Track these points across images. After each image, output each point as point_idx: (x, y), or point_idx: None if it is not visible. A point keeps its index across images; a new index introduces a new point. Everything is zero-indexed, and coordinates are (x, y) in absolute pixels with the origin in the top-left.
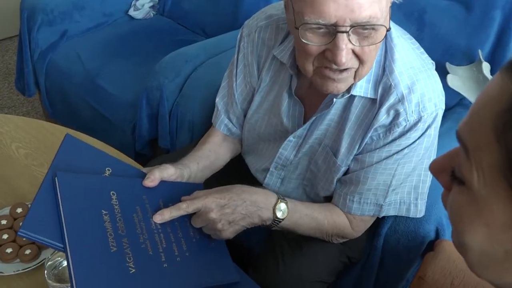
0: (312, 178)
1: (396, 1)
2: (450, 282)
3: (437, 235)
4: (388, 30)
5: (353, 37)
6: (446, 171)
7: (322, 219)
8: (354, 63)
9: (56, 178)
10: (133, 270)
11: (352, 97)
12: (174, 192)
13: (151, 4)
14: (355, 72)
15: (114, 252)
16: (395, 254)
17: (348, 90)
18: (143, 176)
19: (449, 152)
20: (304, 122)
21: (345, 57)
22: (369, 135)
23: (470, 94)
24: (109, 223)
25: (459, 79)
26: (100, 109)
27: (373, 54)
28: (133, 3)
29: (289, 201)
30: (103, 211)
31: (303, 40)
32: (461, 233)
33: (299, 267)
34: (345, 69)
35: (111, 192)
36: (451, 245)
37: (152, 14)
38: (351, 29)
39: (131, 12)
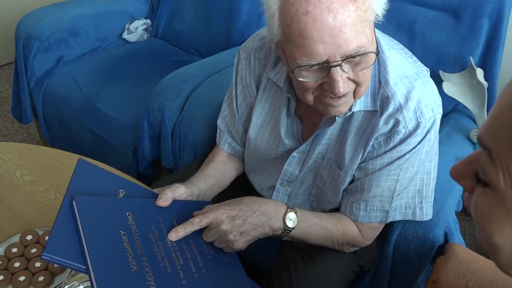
0: (318, 193)
1: (379, 22)
2: (464, 284)
3: (446, 239)
4: (377, 54)
5: (346, 66)
6: (468, 175)
7: (331, 227)
8: (351, 87)
9: (74, 201)
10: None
11: (352, 113)
12: (186, 210)
13: (144, 26)
14: (354, 92)
15: (135, 271)
16: (406, 260)
17: (350, 108)
18: (155, 196)
19: (468, 158)
20: (303, 138)
21: (342, 87)
22: (370, 143)
23: (465, 100)
24: (128, 243)
25: (454, 85)
26: (100, 132)
27: (367, 75)
28: (126, 27)
29: (299, 210)
30: (121, 231)
31: (300, 79)
32: (490, 234)
33: (312, 278)
34: (344, 95)
35: (127, 213)
36: (461, 248)
37: (146, 37)
38: (343, 61)
39: (125, 35)
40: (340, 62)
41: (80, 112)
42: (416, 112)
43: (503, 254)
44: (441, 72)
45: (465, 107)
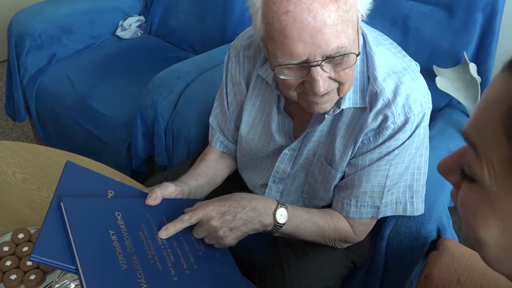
0: (310, 190)
1: (363, 20)
2: (456, 279)
3: (439, 234)
4: (357, 55)
5: (327, 66)
6: (455, 171)
7: (323, 223)
8: (333, 86)
9: (61, 203)
10: (145, 286)
11: (342, 110)
12: (176, 209)
13: (138, 23)
14: (337, 90)
15: (125, 270)
16: (399, 256)
17: (339, 105)
18: (145, 195)
19: (455, 152)
20: (295, 136)
21: (323, 86)
22: (360, 139)
23: (458, 95)
24: (117, 242)
25: (447, 80)
26: (93, 130)
27: (350, 75)
28: (120, 24)
29: (289, 206)
30: (110, 231)
31: (281, 77)
32: (476, 230)
33: (305, 275)
34: (327, 93)
35: (116, 213)
36: (454, 243)
37: (139, 34)
38: (323, 61)
39: (119, 32)
40: (320, 62)
41: (74, 110)
42: (404, 107)
43: (489, 250)
44: (434, 67)
45: (458, 102)
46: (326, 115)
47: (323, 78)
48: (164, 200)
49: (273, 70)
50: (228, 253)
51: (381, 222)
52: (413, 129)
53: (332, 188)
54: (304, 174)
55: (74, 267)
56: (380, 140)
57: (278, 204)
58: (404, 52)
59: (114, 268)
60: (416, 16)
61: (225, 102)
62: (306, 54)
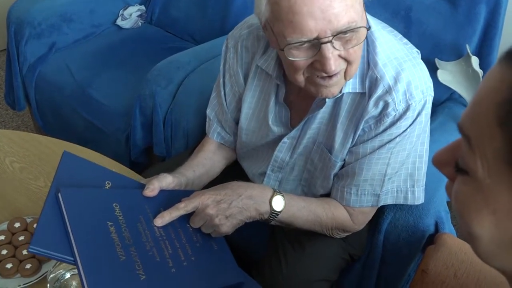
0: (309, 178)
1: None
2: (453, 273)
3: (437, 228)
4: (368, 29)
5: (337, 43)
6: (450, 163)
7: (320, 212)
8: (342, 66)
9: (59, 194)
10: (143, 277)
11: (342, 94)
12: (173, 200)
13: (138, 13)
14: (345, 72)
15: (123, 261)
16: (396, 250)
17: (340, 89)
18: (142, 187)
19: (450, 145)
20: (292, 125)
21: (334, 64)
22: (361, 127)
23: (460, 88)
24: (115, 233)
25: (449, 74)
26: (92, 119)
27: (358, 53)
28: (120, 13)
29: (286, 194)
30: (108, 222)
31: (290, 58)
32: (468, 223)
33: (302, 267)
34: (335, 74)
35: (114, 204)
36: (451, 238)
37: (140, 23)
38: (333, 38)
39: (119, 22)
40: (331, 38)
41: (73, 99)
42: (406, 94)
43: (481, 244)
44: (436, 60)
45: (460, 96)
46: (326, 99)
47: (334, 56)
48: (162, 191)
49: (282, 50)
50: (226, 244)
51: (379, 216)
52: (414, 117)
53: (332, 177)
54: (303, 162)
55: (72, 259)
56: (381, 128)
57: (274, 192)
58: (406, 40)
59: (112, 260)
60: (419, 8)
61: (222, 93)
62: (317, 30)
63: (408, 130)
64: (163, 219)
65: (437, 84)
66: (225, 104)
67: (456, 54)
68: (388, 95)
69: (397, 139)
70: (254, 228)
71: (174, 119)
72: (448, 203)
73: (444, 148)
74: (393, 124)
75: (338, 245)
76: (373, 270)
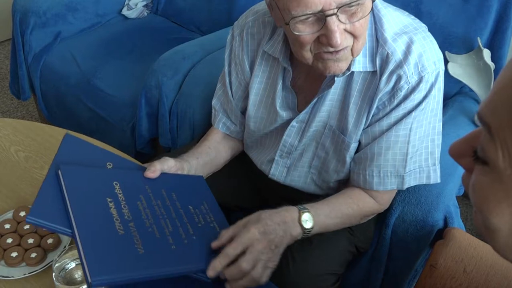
0: (320, 165)
1: None
2: (462, 269)
3: (446, 223)
4: (373, 0)
5: (342, 16)
6: (467, 154)
7: (345, 209)
8: (349, 41)
9: (59, 171)
10: (142, 251)
11: (352, 73)
12: (175, 183)
13: (144, 3)
14: (351, 48)
15: (121, 235)
16: (404, 244)
17: (348, 67)
18: (144, 169)
19: (468, 135)
20: (299, 110)
21: (340, 38)
22: (375, 105)
23: (471, 82)
24: (115, 209)
25: (459, 67)
26: (97, 110)
27: (364, 27)
28: (126, 3)
29: (310, 207)
30: (107, 198)
31: (296, 33)
32: (487, 215)
33: (309, 261)
34: (342, 49)
35: (114, 182)
36: (461, 232)
37: (146, 13)
38: (338, 10)
39: (125, 11)
40: (336, 10)
41: (78, 89)
42: (417, 66)
43: (500, 237)
44: (447, 53)
45: (470, 90)
46: (336, 78)
47: (339, 29)
48: (164, 174)
49: (287, 25)
50: (228, 225)
51: (387, 209)
52: (427, 89)
53: (347, 159)
54: (313, 148)
55: (70, 231)
56: (395, 102)
57: (299, 210)
58: (413, 16)
59: (110, 233)
60: (429, 0)
61: (227, 82)
62: (321, 2)
63: (423, 103)
64: (215, 269)
65: (447, 77)
66: (230, 93)
67: (467, 47)
68: (399, 69)
69: (413, 113)
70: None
71: (180, 109)
72: (457, 198)
73: (461, 139)
74: (406, 97)
75: (344, 237)
76: (380, 264)
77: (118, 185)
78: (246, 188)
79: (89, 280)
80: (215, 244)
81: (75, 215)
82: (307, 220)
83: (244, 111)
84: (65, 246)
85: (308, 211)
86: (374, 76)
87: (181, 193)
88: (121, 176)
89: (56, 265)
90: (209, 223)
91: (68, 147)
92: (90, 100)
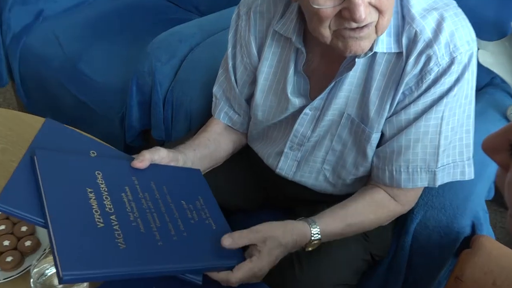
0: (335, 160)
1: None
2: (491, 281)
3: (473, 230)
4: None
5: None
6: (503, 148)
7: (360, 223)
8: (373, 17)
9: (34, 156)
10: (123, 246)
11: (374, 54)
12: (167, 175)
13: None
14: (376, 25)
15: (101, 228)
16: (426, 253)
17: (371, 48)
18: (131, 160)
19: (502, 129)
20: (312, 98)
21: (364, 12)
22: (400, 91)
23: (503, 71)
24: (95, 200)
25: (490, 55)
26: (82, 97)
27: (391, 2)
28: None
29: (318, 221)
30: (87, 188)
31: (315, 6)
32: None
33: (318, 269)
34: (365, 25)
35: (96, 172)
36: (490, 241)
37: None
38: None
39: None
40: None
41: (61, 74)
42: (449, 46)
43: None
44: (477, 40)
45: (502, 81)
46: (356, 59)
47: (364, 2)
48: (155, 165)
49: None
50: (227, 225)
51: (407, 214)
52: (460, 71)
53: (368, 152)
54: (328, 140)
55: (42, 220)
56: (424, 87)
57: (310, 227)
58: None
59: (88, 225)
60: None
61: (231, 65)
62: None
63: (455, 89)
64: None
65: (477, 67)
66: (233, 78)
67: (499, 33)
68: (429, 49)
69: (444, 99)
70: (260, 220)
71: (175, 98)
72: (487, 203)
73: (495, 132)
74: (436, 81)
75: (359, 244)
76: (399, 275)
77: (101, 174)
78: (248, 186)
79: (60, 274)
80: (226, 241)
81: (49, 203)
82: (316, 234)
83: (248, 100)
84: (44, 249)
85: (316, 226)
86: (399, 58)
87: (174, 187)
88: (105, 165)
89: (35, 270)
90: (204, 219)
91: (48, 133)
92: (75, 87)
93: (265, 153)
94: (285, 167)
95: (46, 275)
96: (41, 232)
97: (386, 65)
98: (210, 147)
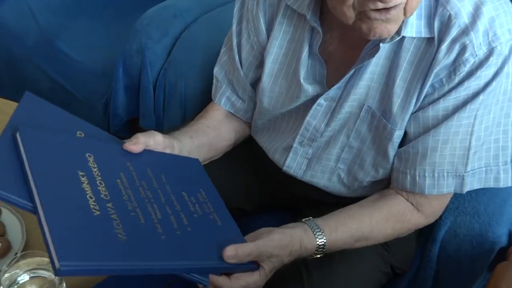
0: (351, 158)
1: None
2: None
3: (510, 240)
4: None
5: None
6: None
7: (373, 237)
8: None
9: (17, 133)
10: (124, 238)
11: (402, 39)
12: (164, 162)
13: None
14: (405, 6)
15: (97, 216)
16: (455, 265)
17: (398, 31)
18: (123, 143)
19: None
20: (329, 85)
21: None
22: (429, 83)
23: None
24: (88, 185)
25: None
26: (61, 80)
27: None
28: None
29: (327, 234)
30: (79, 172)
31: None
32: None
33: (329, 280)
34: (393, 7)
35: (87, 154)
36: None
37: None
38: None
39: None
40: None
41: (36, 53)
42: (487, 34)
43: None
44: None
45: None
46: (381, 44)
47: None
48: (150, 151)
49: None
50: (233, 222)
51: (434, 222)
52: (499, 64)
53: (390, 151)
54: (344, 136)
55: (31, 205)
56: (456, 80)
57: (315, 236)
58: None
59: (83, 212)
60: None
61: (235, 44)
62: None
63: (493, 84)
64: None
65: None
66: (237, 58)
67: None
68: (464, 36)
69: (480, 96)
70: (262, 222)
71: (168, 82)
72: None
73: None
74: (471, 74)
75: (377, 254)
76: None
77: (92, 157)
78: (251, 184)
79: (56, 265)
80: (230, 253)
81: (38, 186)
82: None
83: (254, 84)
84: (16, 253)
85: (322, 235)
86: (430, 45)
87: (172, 176)
88: (96, 148)
89: (5, 276)
90: (208, 214)
91: (28, 109)
92: (52, 68)
93: (271, 147)
94: (294, 165)
95: (18, 283)
96: (12, 234)
97: (414, 52)
98: (209, 135)
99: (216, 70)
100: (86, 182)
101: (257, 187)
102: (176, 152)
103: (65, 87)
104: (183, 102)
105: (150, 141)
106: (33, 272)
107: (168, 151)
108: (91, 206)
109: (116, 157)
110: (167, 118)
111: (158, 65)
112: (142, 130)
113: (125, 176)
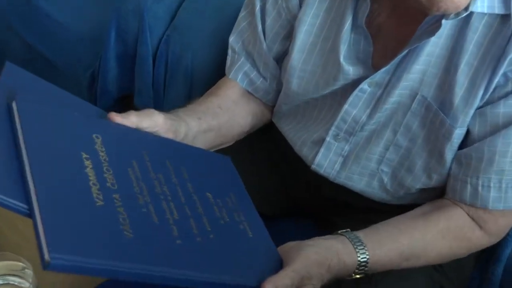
0: (398, 160)
1: None
2: None
3: None
4: None
5: None
6: None
7: (428, 258)
8: None
9: (14, 103)
10: (130, 235)
11: (469, 15)
12: (187, 157)
13: None
14: None
15: (100, 207)
16: None
17: (466, 7)
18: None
19: None
20: (375, 66)
21: None
22: (501, 71)
23: None
24: (92, 170)
25: None
26: (39, 46)
27: None
28: None
29: (369, 248)
30: (82, 153)
31: None
32: None
33: None
34: None
35: (95, 135)
36: None
37: None
38: None
39: None
40: None
41: (10, 13)
42: None
43: None
44: None
45: None
46: (443, 20)
47: None
48: (170, 141)
49: None
50: (268, 236)
51: None
52: None
53: (447, 154)
54: (390, 132)
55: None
56: None
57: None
58: None
59: (83, 200)
60: None
61: (258, 9)
62: None
63: None
64: None
65: None
66: (260, 27)
67: None
68: None
69: None
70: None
71: (171, 51)
72: None
73: None
74: None
75: (426, 274)
76: None
77: (100, 139)
78: (268, 182)
79: (46, 257)
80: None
81: (32, 164)
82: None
83: (280, 59)
84: None
85: (365, 251)
86: (504, 24)
87: (196, 173)
88: (105, 129)
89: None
90: (237, 223)
91: (11, 81)
92: (29, 31)
93: (297, 138)
94: (325, 163)
95: None
96: None
97: (484, 31)
98: (220, 117)
99: (232, 39)
100: (90, 166)
101: (276, 186)
102: (181, 136)
103: (44, 54)
104: (189, 77)
105: (145, 122)
106: (3, 279)
107: (170, 136)
108: (94, 195)
109: (129, 142)
110: (168, 97)
111: (159, 31)
112: (137, 109)
113: (138, 165)
